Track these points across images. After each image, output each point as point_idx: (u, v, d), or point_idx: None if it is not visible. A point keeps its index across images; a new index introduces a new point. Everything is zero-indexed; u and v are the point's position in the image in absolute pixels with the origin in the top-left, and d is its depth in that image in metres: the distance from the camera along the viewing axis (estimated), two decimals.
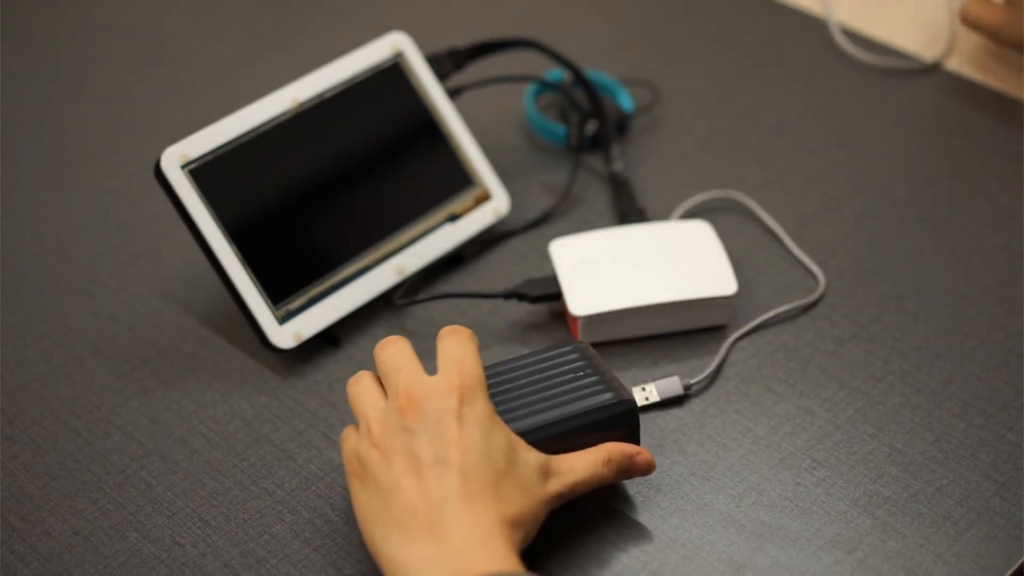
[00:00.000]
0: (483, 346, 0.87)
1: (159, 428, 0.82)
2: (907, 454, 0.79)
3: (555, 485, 0.71)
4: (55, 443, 0.82)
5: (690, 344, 0.86)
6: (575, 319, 0.85)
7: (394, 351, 0.73)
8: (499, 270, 0.92)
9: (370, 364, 0.86)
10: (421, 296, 0.88)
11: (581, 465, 0.72)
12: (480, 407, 0.70)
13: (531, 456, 0.71)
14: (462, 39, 1.01)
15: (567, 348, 0.78)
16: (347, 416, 0.83)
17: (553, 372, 0.76)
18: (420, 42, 0.96)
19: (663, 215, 0.95)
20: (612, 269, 0.86)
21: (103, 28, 1.16)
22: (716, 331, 0.87)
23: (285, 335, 0.84)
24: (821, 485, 0.78)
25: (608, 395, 0.74)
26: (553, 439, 0.73)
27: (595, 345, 0.86)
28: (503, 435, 0.70)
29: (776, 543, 0.75)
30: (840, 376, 0.84)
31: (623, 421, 0.75)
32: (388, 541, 0.68)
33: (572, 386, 0.75)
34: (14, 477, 0.80)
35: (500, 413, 0.73)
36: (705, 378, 0.84)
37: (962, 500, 0.77)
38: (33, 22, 1.17)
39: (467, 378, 0.71)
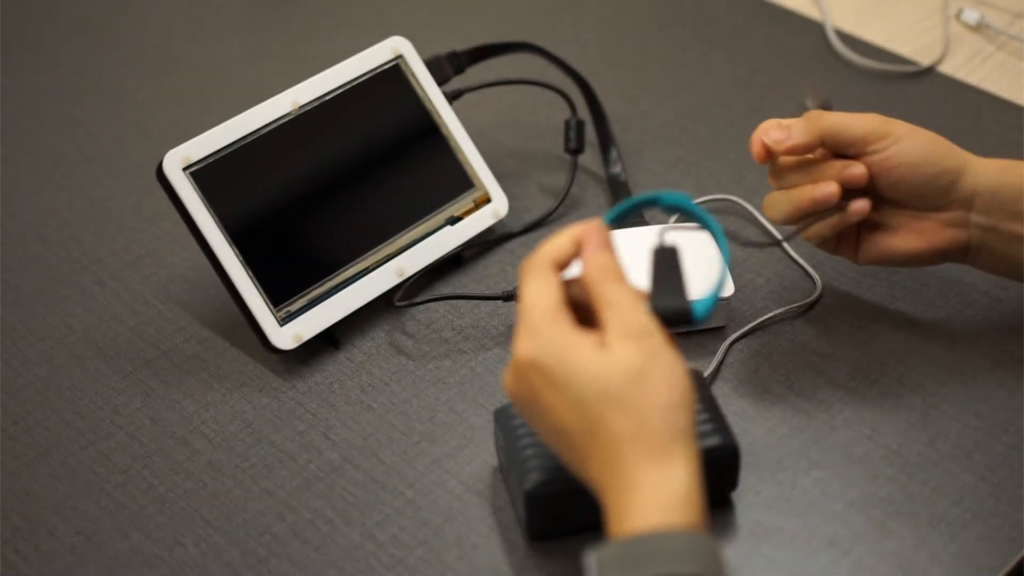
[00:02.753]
0: (481, 348, 0.87)
1: (161, 429, 0.83)
2: (903, 455, 0.80)
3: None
4: (58, 443, 0.82)
5: (688, 346, 0.86)
6: None
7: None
8: (498, 272, 0.93)
9: (369, 367, 0.86)
10: (421, 298, 0.89)
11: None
12: (546, 364, 0.66)
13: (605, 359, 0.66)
14: (461, 43, 1.01)
15: None
16: (346, 418, 0.83)
17: None
18: (420, 46, 0.97)
19: (661, 219, 0.95)
20: None
21: (106, 32, 1.16)
22: (714, 333, 0.87)
23: (286, 336, 0.85)
24: (817, 486, 0.78)
25: (714, 439, 0.74)
26: None
27: None
28: (578, 361, 0.65)
29: (772, 543, 0.75)
30: (836, 378, 0.84)
31: (723, 465, 0.75)
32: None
33: None
34: (17, 477, 0.80)
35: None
36: None
37: (957, 501, 0.77)
38: (37, 25, 1.17)
39: (523, 343, 0.67)
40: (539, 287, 0.68)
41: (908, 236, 0.81)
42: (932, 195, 0.80)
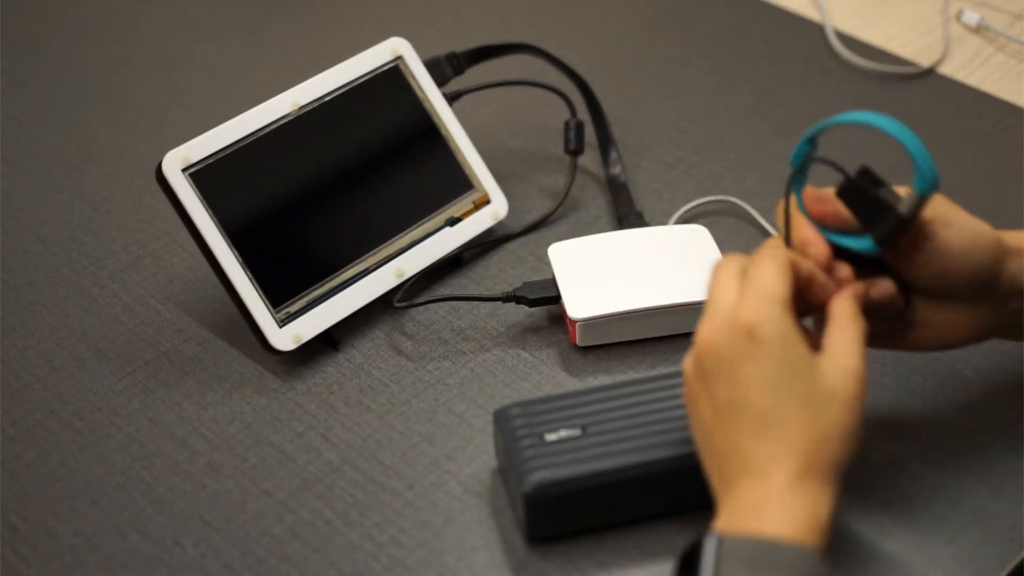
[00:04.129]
0: (481, 349, 0.87)
1: (160, 429, 0.83)
2: (902, 457, 0.80)
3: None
4: (57, 444, 0.82)
5: (687, 347, 0.86)
6: (573, 322, 0.85)
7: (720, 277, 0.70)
8: (498, 273, 0.93)
9: (368, 368, 0.86)
10: (420, 299, 0.89)
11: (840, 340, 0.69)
12: (768, 341, 0.66)
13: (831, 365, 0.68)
14: (461, 44, 1.01)
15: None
16: (346, 419, 0.83)
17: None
18: (419, 47, 0.97)
19: (660, 219, 0.95)
20: (610, 273, 0.87)
21: (106, 32, 1.16)
22: None
23: (285, 337, 0.85)
24: None
25: None
26: (680, 473, 0.73)
27: (592, 348, 0.86)
28: (799, 356, 0.67)
29: None
30: None
31: None
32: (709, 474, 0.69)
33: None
34: (16, 478, 0.80)
35: (627, 440, 0.74)
36: None
37: (956, 503, 0.77)
38: (36, 25, 1.17)
39: (755, 308, 0.67)
40: (782, 270, 0.68)
41: (934, 330, 0.76)
42: (975, 286, 0.75)
